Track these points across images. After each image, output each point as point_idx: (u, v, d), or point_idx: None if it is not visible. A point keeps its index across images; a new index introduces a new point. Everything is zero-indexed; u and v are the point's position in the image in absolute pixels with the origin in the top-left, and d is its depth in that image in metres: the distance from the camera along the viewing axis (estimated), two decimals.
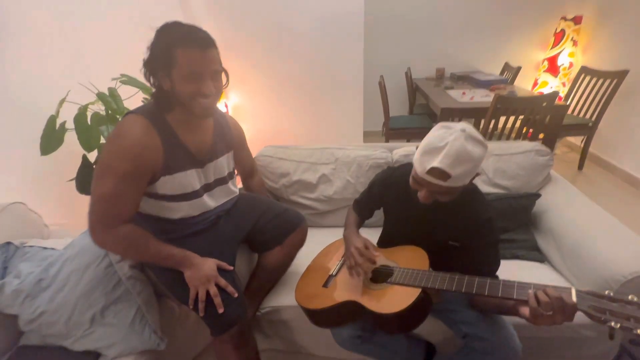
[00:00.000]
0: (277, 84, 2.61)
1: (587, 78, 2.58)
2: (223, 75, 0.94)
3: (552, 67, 3.07)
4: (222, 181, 1.07)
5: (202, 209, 1.01)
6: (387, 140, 2.78)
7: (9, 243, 1.05)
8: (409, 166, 1.00)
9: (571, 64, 3.01)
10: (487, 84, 2.73)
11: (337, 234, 1.27)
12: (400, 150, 1.48)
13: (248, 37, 2.42)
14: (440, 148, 0.73)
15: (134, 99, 1.44)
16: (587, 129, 2.52)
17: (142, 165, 0.84)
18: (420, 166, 0.77)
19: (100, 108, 1.36)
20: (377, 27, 3.26)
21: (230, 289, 0.92)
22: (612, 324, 0.56)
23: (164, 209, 0.95)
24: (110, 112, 1.36)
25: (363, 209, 1.14)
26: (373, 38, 3.18)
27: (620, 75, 2.31)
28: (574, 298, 0.62)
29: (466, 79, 3.05)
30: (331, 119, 2.76)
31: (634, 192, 2.33)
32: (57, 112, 1.27)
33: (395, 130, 2.75)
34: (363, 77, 2.57)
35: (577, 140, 2.94)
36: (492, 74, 3.06)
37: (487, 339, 0.83)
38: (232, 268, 0.99)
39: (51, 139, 1.23)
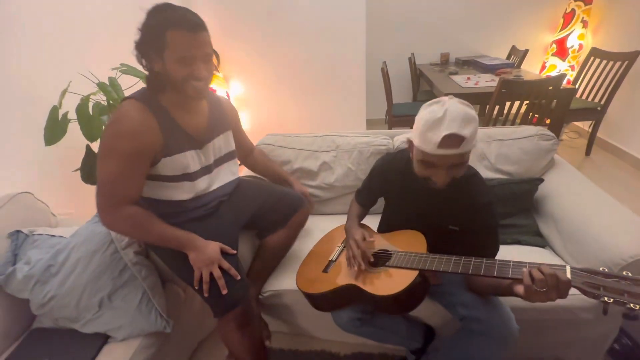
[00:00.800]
0: (278, 72, 2.59)
1: (597, 60, 2.50)
2: (214, 58, 0.96)
3: (561, 49, 2.98)
4: (221, 161, 1.09)
5: (203, 191, 1.03)
6: (390, 128, 2.76)
7: (18, 231, 1.08)
8: (406, 151, 1.01)
9: (581, 46, 2.92)
10: (492, 69, 2.67)
11: (338, 221, 1.28)
12: (402, 137, 1.47)
13: (248, 25, 2.40)
14: (441, 118, 0.73)
15: (134, 88, 1.44)
16: (595, 113, 2.46)
17: (143, 145, 0.86)
18: (429, 143, 0.74)
19: (102, 98, 1.37)
20: (380, 13, 3.19)
21: (233, 271, 0.95)
22: (606, 299, 0.56)
23: (166, 189, 0.97)
24: (111, 102, 1.37)
25: (365, 198, 1.15)
26: (375, 23, 3.12)
27: (631, 57, 2.24)
28: (569, 275, 0.63)
29: (471, 64, 2.98)
30: (334, 107, 2.74)
31: None
32: (60, 102, 1.29)
33: (398, 118, 2.72)
34: (365, 63, 2.54)
35: (584, 125, 2.88)
36: (498, 58, 2.99)
37: (485, 321, 0.84)
38: (235, 252, 1.01)
39: (55, 129, 1.25)
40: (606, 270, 0.61)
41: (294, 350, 1.33)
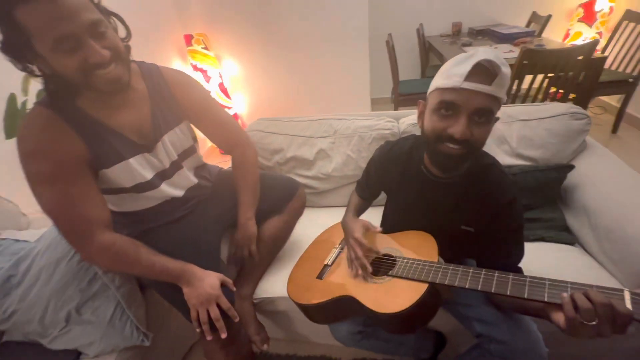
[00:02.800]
0: (274, 48, 2.38)
1: (631, 25, 2.21)
2: (116, 20, 0.70)
3: (589, 14, 2.66)
4: (179, 161, 0.89)
5: (167, 198, 0.88)
6: (396, 108, 2.55)
7: None
8: (410, 139, 0.85)
9: (611, 9, 2.60)
10: (510, 38, 2.41)
11: (337, 215, 1.13)
12: (408, 119, 1.29)
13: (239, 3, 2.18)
14: (472, 54, 0.61)
15: None
16: (627, 85, 2.20)
17: (61, 162, 0.67)
18: (455, 76, 0.61)
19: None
20: None
21: (232, 312, 0.81)
22: None
23: (124, 201, 0.83)
24: None
25: (364, 191, 1.00)
26: None
27: None
28: (629, 304, 0.48)
29: (487, 34, 2.70)
30: (335, 85, 2.53)
31: None
32: (26, 89, 1.14)
33: (405, 96, 2.50)
34: (368, 36, 2.30)
35: (612, 100, 2.62)
36: (516, 26, 2.69)
37: (507, 343, 0.70)
38: (235, 289, 0.86)
39: (15, 119, 1.11)
40: None
41: (291, 355, 1.23)
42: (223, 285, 0.82)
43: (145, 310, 1.00)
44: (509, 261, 0.74)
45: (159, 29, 2.11)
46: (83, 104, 0.71)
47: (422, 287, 0.69)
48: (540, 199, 1.14)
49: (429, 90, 0.69)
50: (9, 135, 1.10)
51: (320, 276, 0.89)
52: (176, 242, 0.88)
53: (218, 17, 2.27)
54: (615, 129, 2.39)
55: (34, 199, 0.68)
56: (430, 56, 3.01)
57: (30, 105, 1.12)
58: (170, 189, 0.87)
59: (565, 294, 0.51)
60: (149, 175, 0.81)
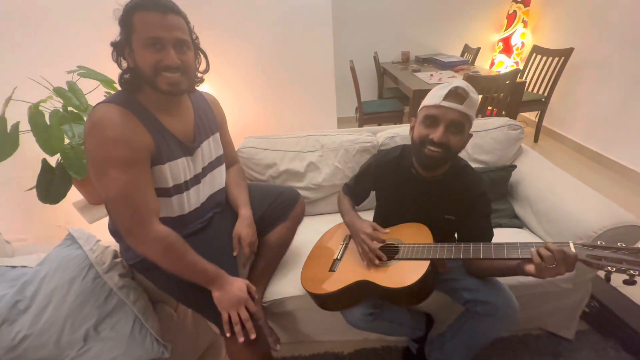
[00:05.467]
0: (244, 73, 2.50)
1: (539, 57, 2.79)
2: (202, 57, 0.91)
3: (507, 47, 3.27)
4: (210, 168, 1.01)
5: (192, 204, 0.95)
6: (361, 126, 2.81)
7: None
8: (399, 147, 1.06)
9: (523, 44, 3.24)
10: (451, 65, 2.85)
11: (330, 221, 1.28)
12: (384, 133, 1.51)
13: (211, 26, 2.28)
14: (450, 83, 0.84)
15: (94, 94, 1.31)
16: (541, 104, 2.74)
17: (138, 149, 0.77)
18: (436, 97, 0.84)
19: (55, 105, 1.21)
20: (344, 12, 3.23)
21: (258, 314, 0.90)
22: (609, 268, 0.62)
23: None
24: (70, 109, 1.22)
25: (356, 193, 1.16)
26: (341, 21, 3.16)
27: (566, 53, 2.53)
28: (573, 249, 0.69)
29: (431, 61, 3.15)
30: (304, 107, 2.71)
31: (583, 160, 2.60)
32: (3, 111, 1.11)
33: (368, 115, 2.78)
34: (333, 62, 2.55)
35: (531, 115, 3.20)
36: (453, 55, 3.20)
37: (490, 302, 0.89)
38: (257, 295, 0.95)
39: (3, 143, 1.08)
40: (603, 243, 0.67)
41: (297, 356, 1.29)
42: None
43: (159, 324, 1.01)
44: (484, 239, 0.94)
45: None
46: (146, 103, 0.82)
47: (425, 264, 0.85)
48: (494, 194, 1.40)
49: (419, 108, 0.90)
50: None
51: (332, 269, 1.01)
52: (198, 252, 0.94)
53: None
54: (536, 139, 2.93)
55: (99, 187, 0.76)
56: (385, 79, 3.38)
57: (23, 126, 1.10)
58: (194, 196, 0.95)
59: (532, 249, 0.71)
60: (187, 176, 0.90)
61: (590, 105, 2.58)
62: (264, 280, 1.15)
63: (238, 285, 0.87)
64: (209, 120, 1.01)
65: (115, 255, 1.01)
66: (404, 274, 0.86)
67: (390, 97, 3.21)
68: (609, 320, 1.26)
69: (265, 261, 1.14)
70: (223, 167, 1.09)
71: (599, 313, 1.28)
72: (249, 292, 0.89)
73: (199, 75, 0.92)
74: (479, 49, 3.06)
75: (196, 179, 0.95)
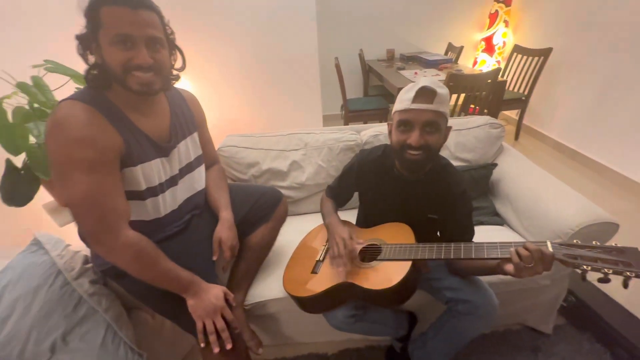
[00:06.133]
0: (227, 71, 2.43)
1: (519, 56, 2.85)
2: (178, 54, 0.85)
3: (489, 46, 3.32)
4: (187, 169, 0.96)
5: (168, 207, 0.90)
6: (346, 123, 2.80)
7: None
8: (381, 147, 1.05)
9: (504, 43, 3.30)
10: (435, 64, 2.87)
11: (313, 220, 1.26)
12: (369, 131, 1.49)
13: (192, 22, 2.20)
14: (415, 83, 0.83)
15: (64, 89, 1.23)
16: (521, 102, 2.80)
17: (104, 150, 0.72)
18: (405, 101, 0.82)
19: (18, 102, 1.14)
20: (329, 8, 3.20)
21: (235, 323, 0.85)
22: (585, 267, 0.63)
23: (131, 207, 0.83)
24: (36, 105, 1.14)
25: (338, 195, 1.15)
26: (326, 17, 3.13)
27: (546, 53, 2.59)
28: (550, 249, 0.69)
29: (415, 59, 3.17)
30: (288, 104, 2.67)
31: (562, 157, 2.68)
32: None
33: (353, 113, 2.77)
34: (318, 60, 2.52)
35: (512, 114, 3.27)
36: (437, 54, 3.22)
37: (471, 301, 0.89)
38: (235, 303, 0.90)
39: None
40: (579, 241, 0.68)
41: (279, 359, 1.27)
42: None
43: (134, 332, 0.97)
44: (466, 237, 0.95)
45: None
46: (116, 101, 0.76)
47: (407, 264, 0.84)
48: (476, 192, 1.42)
49: (392, 113, 0.89)
50: None
51: (314, 271, 0.99)
52: (174, 256, 0.90)
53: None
54: (517, 136, 2.99)
55: (62, 190, 0.70)
56: (371, 77, 3.38)
57: None
58: (170, 199, 0.90)
59: (512, 249, 0.71)
60: (162, 178, 0.85)
61: (567, 104, 2.65)
62: (246, 283, 1.12)
63: (214, 293, 0.83)
64: (187, 119, 0.96)
65: (85, 261, 0.96)
66: (387, 275, 0.85)
67: (376, 94, 3.21)
68: (584, 314, 1.29)
69: (246, 263, 1.11)
70: (202, 168, 1.04)
71: (575, 307, 1.32)
72: (226, 300, 0.86)
73: (175, 72, 0.87)
74: (462, 47, 3.09)
75: (172, 181, 0.91)
